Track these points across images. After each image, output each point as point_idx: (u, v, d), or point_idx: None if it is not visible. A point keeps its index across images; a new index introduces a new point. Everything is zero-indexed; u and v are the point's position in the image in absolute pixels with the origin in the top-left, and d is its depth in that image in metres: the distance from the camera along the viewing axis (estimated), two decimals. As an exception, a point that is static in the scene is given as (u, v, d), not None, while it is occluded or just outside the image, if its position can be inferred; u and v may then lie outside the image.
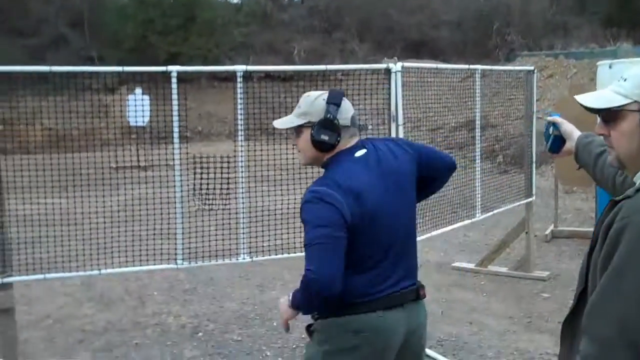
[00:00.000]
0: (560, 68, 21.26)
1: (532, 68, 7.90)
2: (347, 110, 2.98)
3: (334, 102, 2.94)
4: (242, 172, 5.42)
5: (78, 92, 6.34)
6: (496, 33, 31.21)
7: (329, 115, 2.90)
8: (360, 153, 2.96)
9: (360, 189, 2.82)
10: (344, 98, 2.99)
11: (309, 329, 3.03)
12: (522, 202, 7.88)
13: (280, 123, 3.09)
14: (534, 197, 7.98)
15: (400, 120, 5.49)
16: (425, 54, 31.50)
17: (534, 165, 7.94)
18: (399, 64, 5.47)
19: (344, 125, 2.94)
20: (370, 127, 7.05)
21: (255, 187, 6.02)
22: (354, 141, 3.01)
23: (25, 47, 32.85)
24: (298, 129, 3.01)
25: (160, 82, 6.09)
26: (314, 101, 2.98)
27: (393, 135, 5.53)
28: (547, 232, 9.98)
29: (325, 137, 2.91)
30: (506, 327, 6.48)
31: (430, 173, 3.14)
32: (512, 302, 7.20)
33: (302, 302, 2.88)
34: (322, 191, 2.79)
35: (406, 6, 35.76)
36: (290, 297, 2.97)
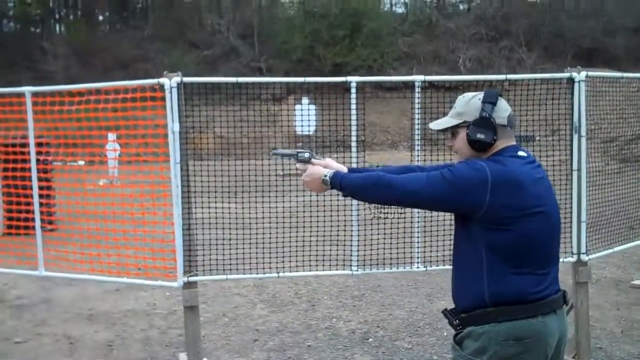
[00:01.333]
0: None
1: None
2: (503, 109, 2.94)
3: (489, 101, 2.92)
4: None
5: (248, 102, 6.61)
6: (677, 39, 29.41)
7: (484, 114, 2.89)
8: (522, 153, 2.93)
9: (523, 181, 2.80)
10: (500, 97, 2.96)
11: (455, 338, 2.95)
12: None
13: (437, 124, 3.11)
14: None
15: (584, 132, 5.31)
16: (598, 62, 30.24)
17: None
18: (583, 73, 5.29)
19: (500, 124, 2.91)
20: (537, 138, 6.85)
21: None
22: (512, 141, 2.97)
23: (199, 59, 34.60)
24: (454, 130, 3.02)
25: (328, 92, 6.22)
26: (469, 101, 2.98)
27: (575, 147, 5.35)
28: None
29: (481, 136, 2.89)
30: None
31: None
32: None
33: (359, 184, 3.01)
34: (482, 166, 2.80)
35: (578, 12, 34.44)
36: (334, 175, 3.11)
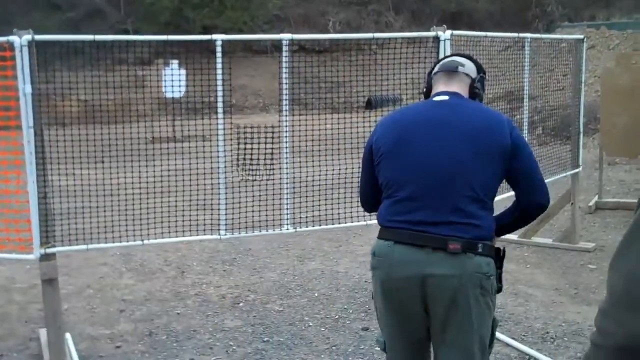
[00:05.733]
0: (601, 39, 20.86)
1: (581, 37, 7.69)
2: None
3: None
4: (286, 143, 5.35)
5: (113, 65, 6.30)
6: (535, 4, 30.61)
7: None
8: (439, 98, 3.10)
9: (400, 118, 3.11)
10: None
11: None
12: (568, 173, 7.69)
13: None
14: (580, 168, 7.82)
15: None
16: (462, 26, 31.08)
17: (581, 135, 7.76)
18: (448, 32, 5.34)
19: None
20: (404, 99, 6.91)
21: (293, 158, 5.88)
22: (440, 88, 3.16)
23: (61, 21, 33.07)
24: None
25: (196, 54, 6.02)
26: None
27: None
28: (591, 203, 9.75)
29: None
30: (552, 298, 6.36)
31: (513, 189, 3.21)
32: (557, 274, 7.08)
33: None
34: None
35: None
36: None
